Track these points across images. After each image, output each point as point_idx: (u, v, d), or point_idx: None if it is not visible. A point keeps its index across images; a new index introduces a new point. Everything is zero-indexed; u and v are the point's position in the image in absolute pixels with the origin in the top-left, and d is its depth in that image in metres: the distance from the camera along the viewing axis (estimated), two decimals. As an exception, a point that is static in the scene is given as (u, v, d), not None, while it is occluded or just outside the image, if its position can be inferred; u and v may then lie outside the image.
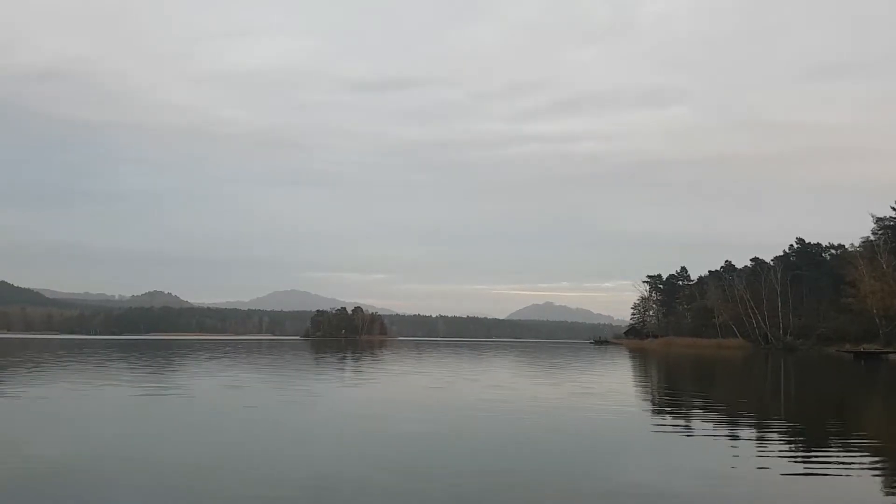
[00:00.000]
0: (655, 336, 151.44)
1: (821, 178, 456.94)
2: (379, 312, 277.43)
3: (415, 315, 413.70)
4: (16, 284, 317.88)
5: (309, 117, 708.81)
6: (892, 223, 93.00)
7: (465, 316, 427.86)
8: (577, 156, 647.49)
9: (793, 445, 13.83)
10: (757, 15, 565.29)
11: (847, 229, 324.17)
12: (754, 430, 15.61)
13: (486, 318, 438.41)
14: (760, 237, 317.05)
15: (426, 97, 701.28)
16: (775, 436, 15.02)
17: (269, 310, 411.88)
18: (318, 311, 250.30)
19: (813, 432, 15.95)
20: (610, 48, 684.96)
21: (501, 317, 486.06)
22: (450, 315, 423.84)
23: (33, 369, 36.02)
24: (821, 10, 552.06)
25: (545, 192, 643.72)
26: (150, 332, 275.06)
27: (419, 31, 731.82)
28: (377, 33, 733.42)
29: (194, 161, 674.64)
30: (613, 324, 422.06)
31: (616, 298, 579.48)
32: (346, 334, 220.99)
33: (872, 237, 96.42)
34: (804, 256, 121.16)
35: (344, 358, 59.00)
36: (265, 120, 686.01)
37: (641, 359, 69.38)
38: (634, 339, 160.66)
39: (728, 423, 16.94)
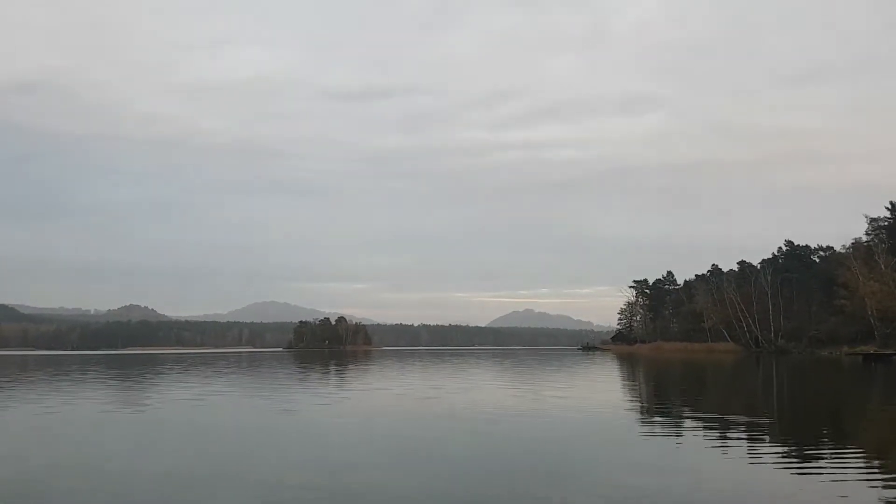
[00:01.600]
0: (643, 341, 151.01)
1: (798, 182, 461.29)
2: (360, 322, 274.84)
3: (397, 324, 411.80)
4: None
5: (289, 127, 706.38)
6: (886, 223, 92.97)
7: (447, 324, 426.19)
8: (556, 162, 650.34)
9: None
10: (732, 22, 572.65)
11: (826, 231, 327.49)
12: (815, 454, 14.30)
13: (468, 326, 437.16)
14: (739, 241, 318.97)
15: (406, 106, 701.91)
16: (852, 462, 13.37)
17: (247, 322, 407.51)
18: (300, 321, 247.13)
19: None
20: (587, 56, 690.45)
21: (483, 324, 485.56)
22: (432, 323, 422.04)
23: (33, 388, 34.33)
24: (795, 16, 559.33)
25: (524, 199, 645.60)
26: (129, 347, 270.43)
27: (400, 41, 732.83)
28: (358, 43, 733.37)
29: (172, 172, 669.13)
30: (594, 329, 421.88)
31: (595, 304, 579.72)
32: (329, 345, 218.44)
33: (865, 238, 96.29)
34: (793, 259, 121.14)
35: (364, 371, 57.34)
36: (245, 130, 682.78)
37: (634, 365, 68.37)
38: (622, 344, 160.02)
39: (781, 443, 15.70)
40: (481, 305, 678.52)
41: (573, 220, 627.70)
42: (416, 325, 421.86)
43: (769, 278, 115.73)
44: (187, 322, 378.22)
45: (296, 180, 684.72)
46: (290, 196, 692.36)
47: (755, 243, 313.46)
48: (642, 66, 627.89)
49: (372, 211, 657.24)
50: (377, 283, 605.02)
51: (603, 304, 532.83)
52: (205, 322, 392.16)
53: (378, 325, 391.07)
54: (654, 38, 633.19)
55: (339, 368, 61.75)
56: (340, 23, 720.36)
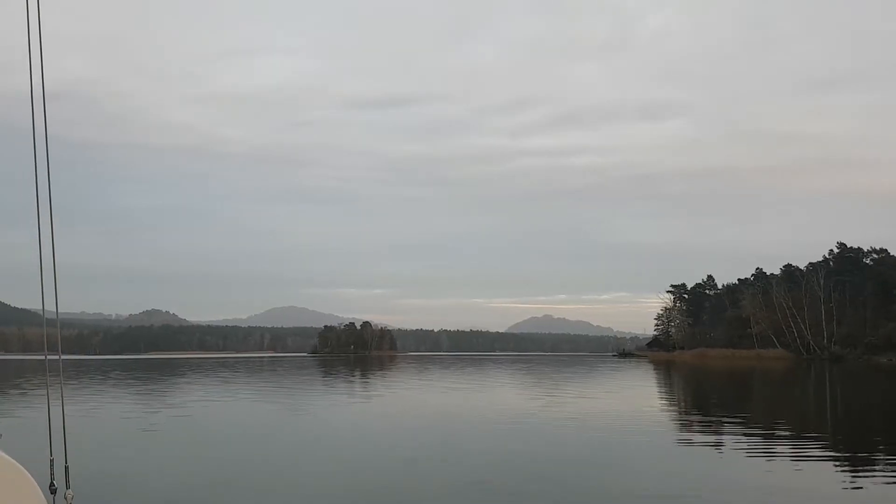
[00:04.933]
0: (682, 348, 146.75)
1: (824, 188, 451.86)
2: (385, 327, 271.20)
3: (417, 329, 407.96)
4: (13, 305, 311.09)
5: (309, 135, 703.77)
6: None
7: (467, 329, 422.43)
8: (576, 169, 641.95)
9: None
10: (755, 28, 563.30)
11: (854, 237, 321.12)
12: None
13: (488, 332, 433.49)
14: (761, 247, 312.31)
15: (426, 113, 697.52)
16: None
17: (268, 326, 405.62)
18: (325, 326, 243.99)
19: None
20: (609, 63, 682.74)
21: (502, 330, 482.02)
22: (451, 329, 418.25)
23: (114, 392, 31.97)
24: (819, 22, 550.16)
25: (543, 206, 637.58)
26: (151, 351, 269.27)
27: (420, 49, 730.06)
28: (378, 51, 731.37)
29: (193, 179, 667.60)
30: (616, 336, 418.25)
31: (615, 310, 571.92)
32: (355, 350, 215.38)
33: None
34: (845, 262, 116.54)
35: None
36: (266, 138, 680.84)
37: (685, 374, 65.34)
38: (660, 351, 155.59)
39: None
40: (499, 311, 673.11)
41: (593, 225, 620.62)
42: (435, 330, 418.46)
43: (822, 282, 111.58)
44: (209, 327, 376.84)
45: (316, 188, 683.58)
46: (311, 203, 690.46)
47: (778, 249, 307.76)
48: (664, 72, 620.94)
49: (392, 218, 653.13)
50: (395, 288, 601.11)
51: (623, 310, 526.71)
52: (226, 327, 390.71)
53: (398, 330, 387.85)
54: (676, 44, 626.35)
55: (396, 379, 58.82)
56: (361, 31, 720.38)
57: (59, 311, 4.21)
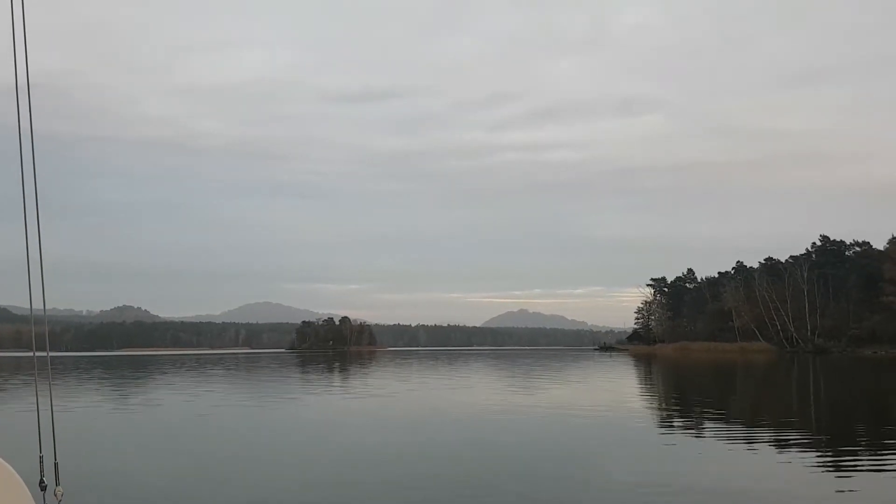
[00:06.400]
0: (663, 341, 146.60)
1: (799, 182, 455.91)
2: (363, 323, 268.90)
3: (395, 324, 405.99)
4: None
5: (288, 129, 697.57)
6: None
7: (445, 324, 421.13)
8: (553, 164, 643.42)
9: None
10: (730, 24, 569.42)
11: (833, 231, 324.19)
12: None
13: (465, 327, 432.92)
14: (739, 241, 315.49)
15: (405, 108, 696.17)
16: None
17: (242, 322, 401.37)
18: (304, 322, 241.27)
19: None
20: (587, 59, 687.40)
21: (477, 324, 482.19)
22: (429, 324, 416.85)
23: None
24: (792, 18, 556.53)
25: (520, 200, 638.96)
26: (124, 348, 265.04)
27: (400, 43, 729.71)
28: (357, 45, 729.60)
29: (170, 173, 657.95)
30: (591, 329, 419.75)
31: (589, 304, 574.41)
32: (333, 346, 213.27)
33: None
34: (828, 254, 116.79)
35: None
36: (244, 132, 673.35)
37: (672, 367, 64.79)
38: (640, 344, 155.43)
39: None
40: (475, 305, 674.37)
41: (568, 220, 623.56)
42: (413, 325, 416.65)
43: (805, 275, 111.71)
44: (182, 323, 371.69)
45: (293, 182, 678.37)
46: (288, 197, 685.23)
47: (756, 243, 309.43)
48: (641, 67, 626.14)
49: (368, 212, 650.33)
50: (370, 283, 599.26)
51: (597, 304, 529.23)
52: (199, 323, 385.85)
53: (375, 325, 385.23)
54: (653, 39, 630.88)
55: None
56: (340, 25, 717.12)
57: (44, 307, 4.17)
